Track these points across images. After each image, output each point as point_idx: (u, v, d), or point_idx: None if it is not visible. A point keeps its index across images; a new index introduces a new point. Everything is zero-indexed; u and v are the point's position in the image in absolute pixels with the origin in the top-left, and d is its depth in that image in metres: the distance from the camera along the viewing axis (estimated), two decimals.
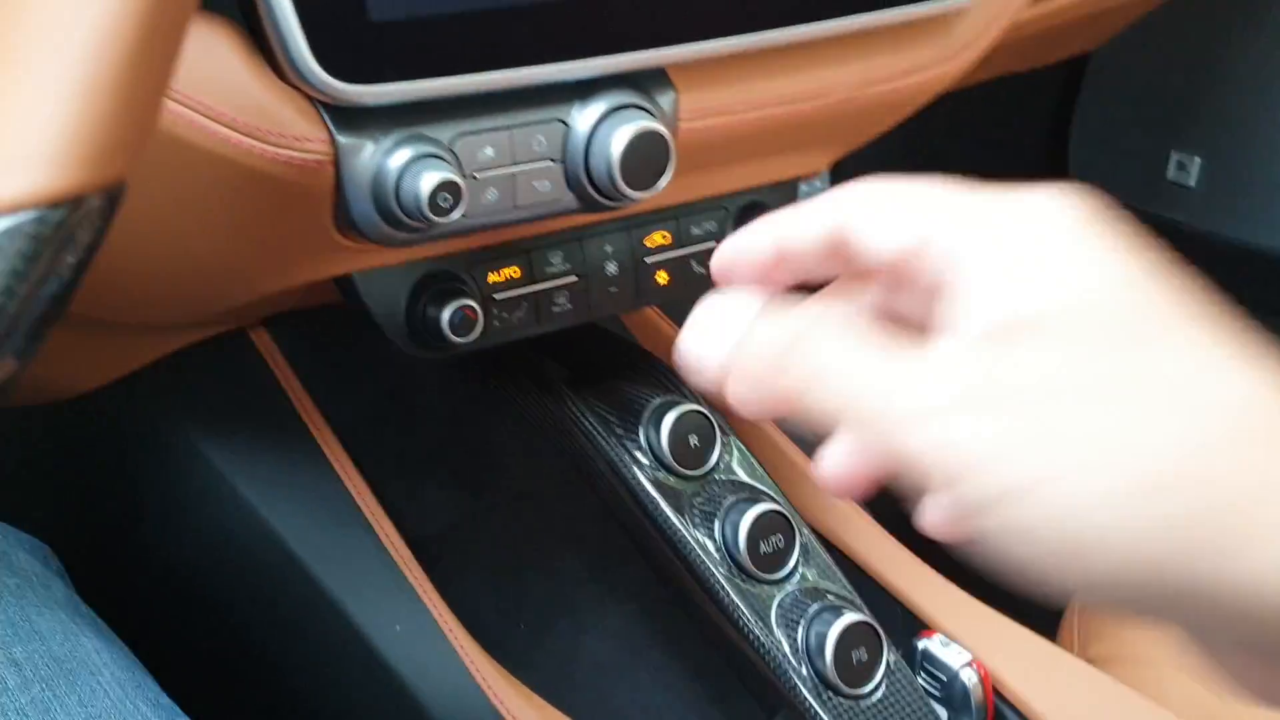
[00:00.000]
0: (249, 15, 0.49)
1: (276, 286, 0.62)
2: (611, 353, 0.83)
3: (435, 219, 0.52)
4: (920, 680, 0.75)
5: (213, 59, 0.49)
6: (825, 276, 0.38)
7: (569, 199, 0.60)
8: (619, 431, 0.75)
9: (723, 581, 0.72)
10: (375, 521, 0.74)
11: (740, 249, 0.38)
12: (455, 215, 0.53)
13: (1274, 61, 1.23)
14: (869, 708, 0.71)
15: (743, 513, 0.72)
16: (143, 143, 0.32)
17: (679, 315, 0.93)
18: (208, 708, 0.63)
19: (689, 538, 0.72)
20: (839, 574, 0.76)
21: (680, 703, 0.79)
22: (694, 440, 0.75)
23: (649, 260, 0.71)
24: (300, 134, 0.51)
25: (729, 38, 0.60)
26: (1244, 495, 0.28)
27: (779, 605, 0.72)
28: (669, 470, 0.74)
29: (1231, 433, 0.28)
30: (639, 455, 0.74)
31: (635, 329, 0.92)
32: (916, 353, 0.31)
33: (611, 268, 0.70)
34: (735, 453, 0.77)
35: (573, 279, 0.68)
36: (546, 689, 0.74)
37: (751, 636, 0.71)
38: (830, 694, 0.70)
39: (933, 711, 0.73)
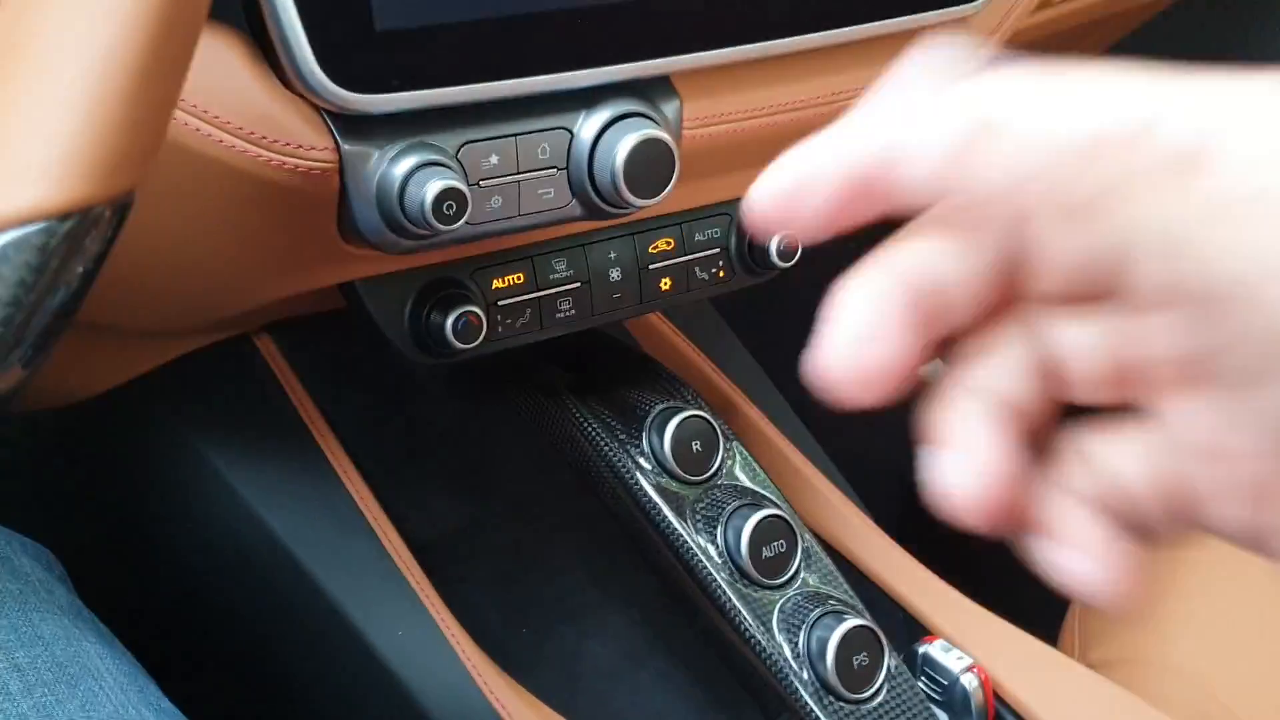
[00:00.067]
0: (255, 24, 0.49)
1: (281, 293, 0.62)
2: (615, 358, 0.84)
3: (440, 226, 0.53)
4: (921, 685, 0.75)
5: (219, 67, 0.49)
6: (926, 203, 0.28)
7: (573, 207, 0.60)
8: (622, 437, 0.75)
9: (725, 586, 0.72)
10: (378, 526, 0.74)
11: (808, 173, 0.28)
12: (460, 223, 0.53)
13: None
14: (870, 712, 0.71)
15: (745, 518, 0.73)
16: (151, 154, 0.32)
17: (683, 321, 0.94)
18: (210, 712, 0.63)
19: (691, 543, 0.73)
20: (841, 579, 0.76)
21: (682, 707, 0.79)
22: (697, 446, 0.75)
23: (653, 266, 0.71)
24: (306, 142, 0.51)
25: (733, 46, 0.60)
26: None
27: (781, 610, 0.72)
28: (672, 476, 0.75)
29: None
30: (642, 461, 0.75)
31: (639, 335, 0.92)
32: None
33: (615, 274, 0.70)
34: (738, 458, 0.77)
35: (576, 285, 0.69)
36: (549, 693, 0.74)
37: (753, 641, 0.71)
38: (831, 699, 0.70)
39: (934, 716, 0.73)
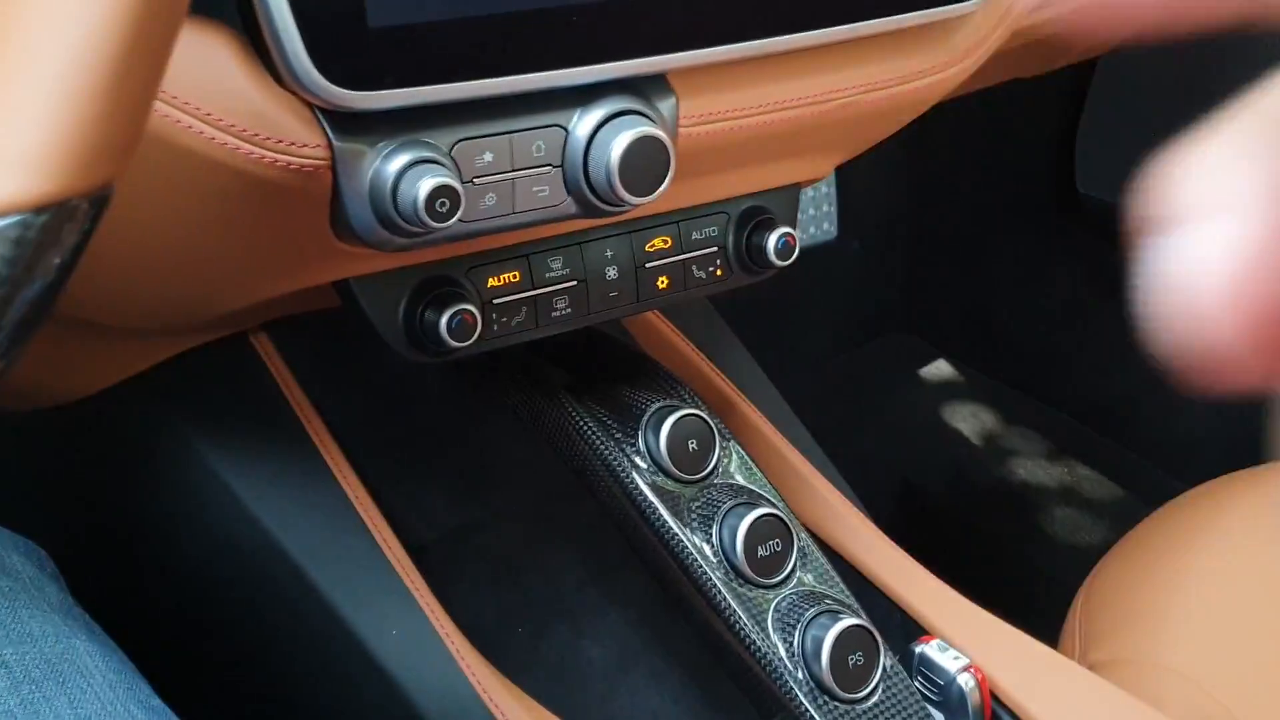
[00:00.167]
0: (247, 20, 0.49)
1: (274, 292, 0.62)
2: (612, 357, 0.83)
3: (433, 224, 0.52)
4: (917, 685, 0.75)
5: (211, 64, 0.49)
6: None
7: (568, 204, 0.60)
8: (618, 436, 0.75)
9: (719, 586, 0.72)
10: (373, 526, 0.74)
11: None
12: (453, 220, 0.53)
13: None
14: (865, 712, 0.71)
15: (740, 517, 0.73)
16: (131, 147, 0.32)
17: (681, 320, 0.93)
18: (204, 711, 0.63)
19: (686, 542, 0.73)
20: (836, 578, 0.76)
21: (677, 707, 0.79)
22: (693, 445, 0.75)
23: (650, 265, 0.71)
24: (298, 139, 0.51)
25: (730, 44, 0.60)
26: None
27: (776, 609, 0.72)
28: (667, 474, 0.74)
29: None
30: (637, 460, 0.75)
31: (636, 333, 0.92)
32: None
33: (612, 272, 0.70)
34: (734, 457, 0.77)
35: (572, 283, 0.68)
36: (544, 693, 0.74)
37: (748, 641, 0.71)
38: (826, 698, 0.70)
39: (930, 716, 0.73)
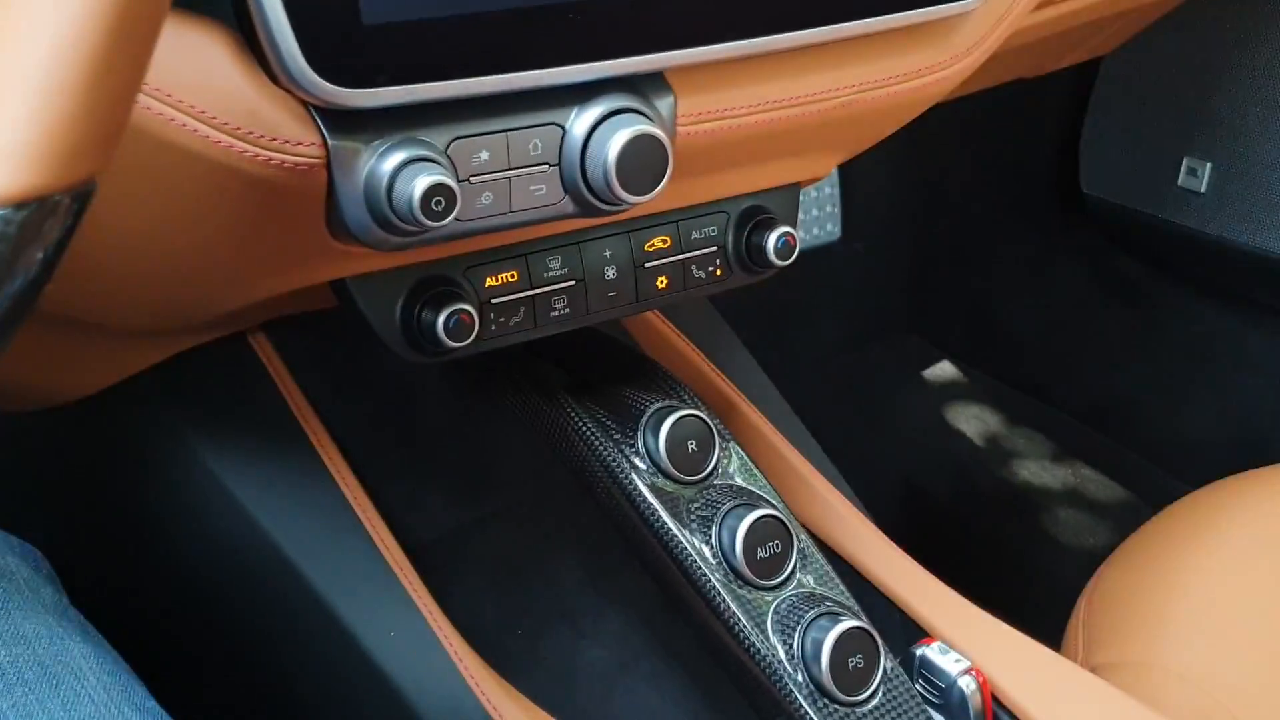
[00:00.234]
0: (242, 18, 0.49)
1: (269, 291, 0.62)
2: (611, 358, 0.83)
3: (428, 223, 0.52)
4: (918, 688, 0.74)
5: (205, 62, 0.49)
6: None
7: (566, 203, 0.60)
8: (617, 437, 0.75)
9: (719, 587, 0.71)
10: (371, 527, 0.74)
11: None
12: (449, 219, 0.53)
13: None
14: (865, 715, 0.70)
15: (740, 518, 0.72)
16: (113, 142, 0.32)
17: (682, 320, 0.93)
18: (200, 714, 0.63)
19: (685, 543, 0.72)
20: (837, 580, 0.75)
21: (677, 709, 0.79)
22: (692, 445, 0.75)
23: (649, 264, 0.71)
24: (292, 137, 0.51)
25: (728, 42, 0.60)
26: None
27: (775, 611, 0.72)
28: (667, 476, 0.74)
29: None
30: (637, 461, 0.74)
31: (638, 334, 0.92)
32: None
33: (610, 272, 0.70)
34: (734, 458, 0.77)
35: (571, 283, 0.68)
36: (543, 695, 0.74)
37: (747, 643, 0.71)
38: (826, 701, 0.70)
39: (930, 719, 0.73)
